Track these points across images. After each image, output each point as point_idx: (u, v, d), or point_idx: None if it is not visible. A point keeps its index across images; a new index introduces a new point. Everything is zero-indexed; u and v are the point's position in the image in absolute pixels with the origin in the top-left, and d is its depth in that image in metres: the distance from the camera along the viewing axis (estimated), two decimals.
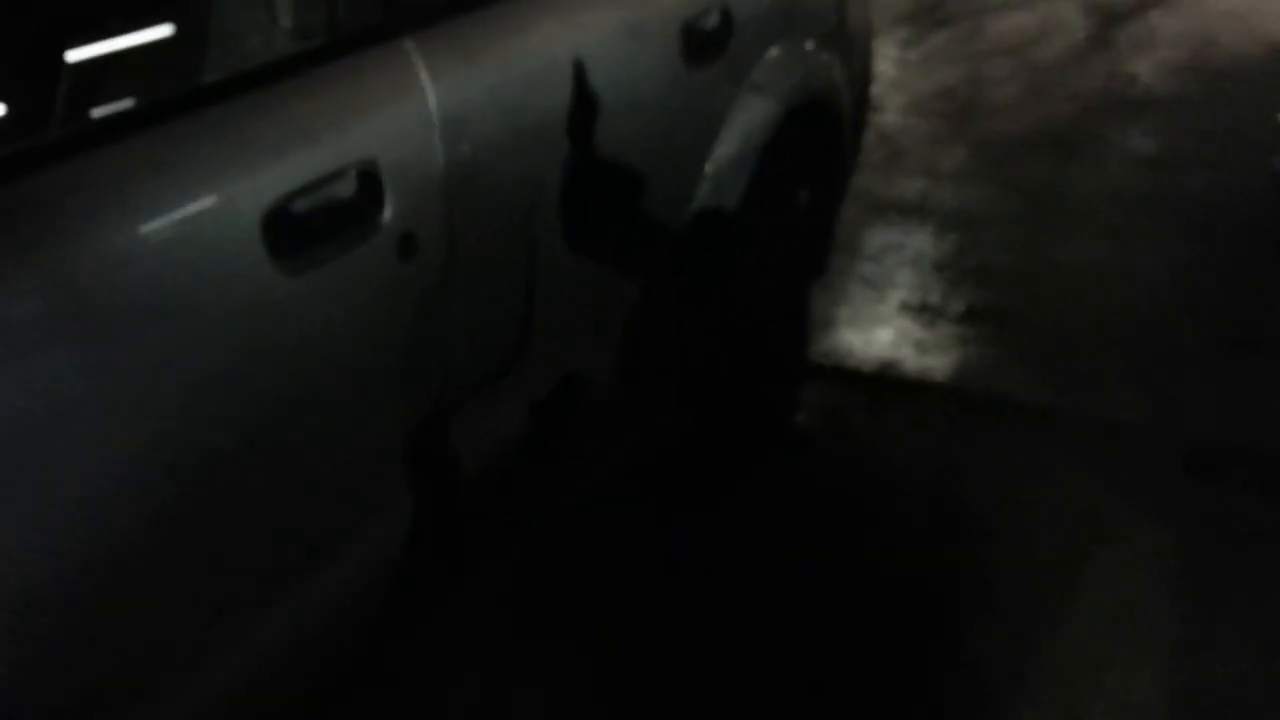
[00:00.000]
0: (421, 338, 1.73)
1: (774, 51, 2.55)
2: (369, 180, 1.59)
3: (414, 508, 1.80)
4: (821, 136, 2.85)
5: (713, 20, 2.31)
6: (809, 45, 2.74)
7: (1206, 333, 3.45)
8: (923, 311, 3.64)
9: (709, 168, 2.37)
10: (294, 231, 1.49)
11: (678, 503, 2.80)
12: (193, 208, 1.39)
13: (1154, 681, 2.29)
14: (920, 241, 4.09)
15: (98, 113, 1.46)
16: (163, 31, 1.49)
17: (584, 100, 1.97)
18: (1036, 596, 2.51)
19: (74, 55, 1.42)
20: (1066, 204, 4.34)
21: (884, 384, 3.32)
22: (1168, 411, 3.11)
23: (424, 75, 1.69)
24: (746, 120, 2.43)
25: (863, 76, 3.17)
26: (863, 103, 3.22)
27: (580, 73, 1.95)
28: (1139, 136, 4.93)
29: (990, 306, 3.65)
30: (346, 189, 1.57)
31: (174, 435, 1.40)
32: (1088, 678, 2.31)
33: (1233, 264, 3.83)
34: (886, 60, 6.00)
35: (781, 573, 2.62)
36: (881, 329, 3.56)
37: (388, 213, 1.62)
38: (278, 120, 1.51)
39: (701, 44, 2.28)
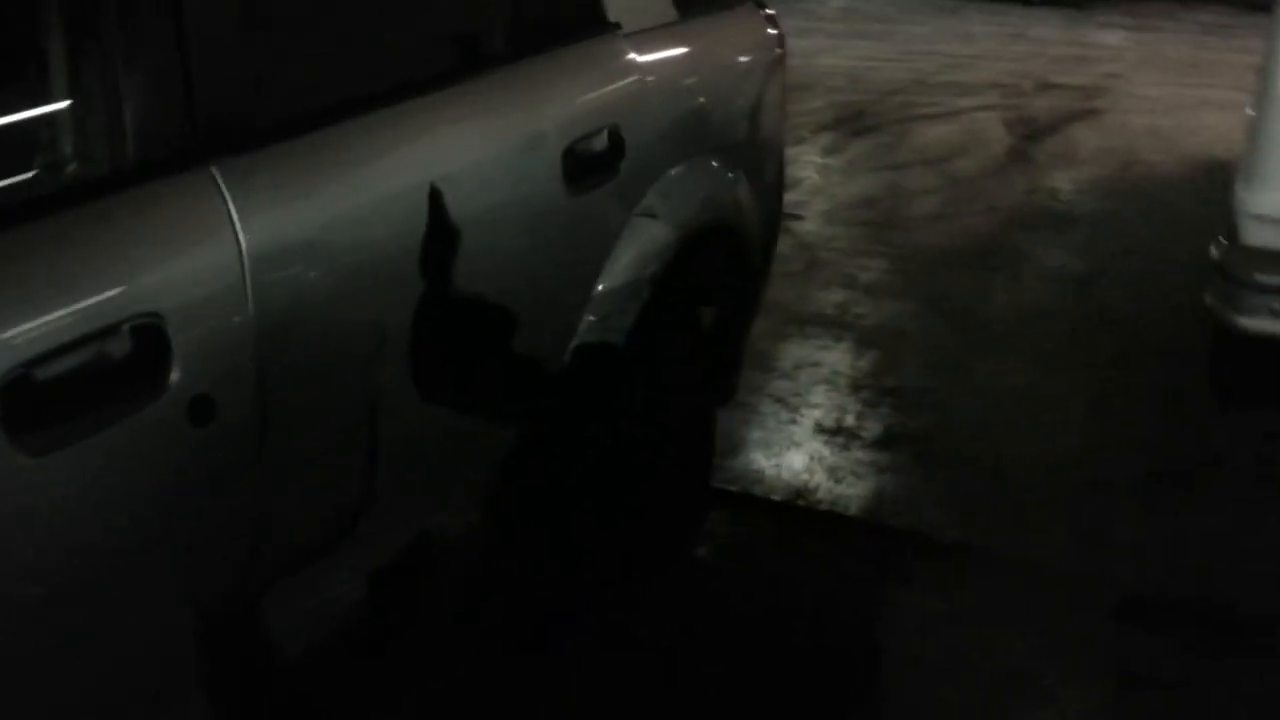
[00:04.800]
0: (221, 511, 1.42)
1: (673, 172, 2.29)
2: (149, 336, 1.29)
3: (214, 701, 1.47)
4: (726, 259, 2.59)
5: (600, 143, 2.04)
6: (714, 164, 2.49)
7: (1134, 465, 3.20)
8: (837, 434, 3.37)
9: (593, 300, 2.08)
10: (39, 403, 1.18)
11: (558, 655, 2.45)
12: None
13: None
14: (837, 358, 3.83)
15: None
16: None
17: (440, 233, 1.68)
18: None
19: None
20: (986, 323, 4.11)
21: (794, 515, 3.02)
22: (1095, 553, 2.82)
23: (231, 209, 1.39)
24: (638, 248, 2.15)
25: (774, 192, 2.92)
26: (774, 219, 2.97)
27: (436, 202, 1.67)
28: (1059, 253, 4.75)
29: (908, 432, 3.38)
30: (117, 348, 1.26)
31: None
32: None
33: (1157, 391, 3.60)
34: (809, 167, 5.82)
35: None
36: (794, 453, 3.28)
37: (176, 374, 1.31)
38: (25, 267, 1.20)
39: (587, 168, 2.01)
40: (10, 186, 1.27)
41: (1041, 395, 3.60)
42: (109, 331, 1.25)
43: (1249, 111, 3.21)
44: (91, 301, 1.24)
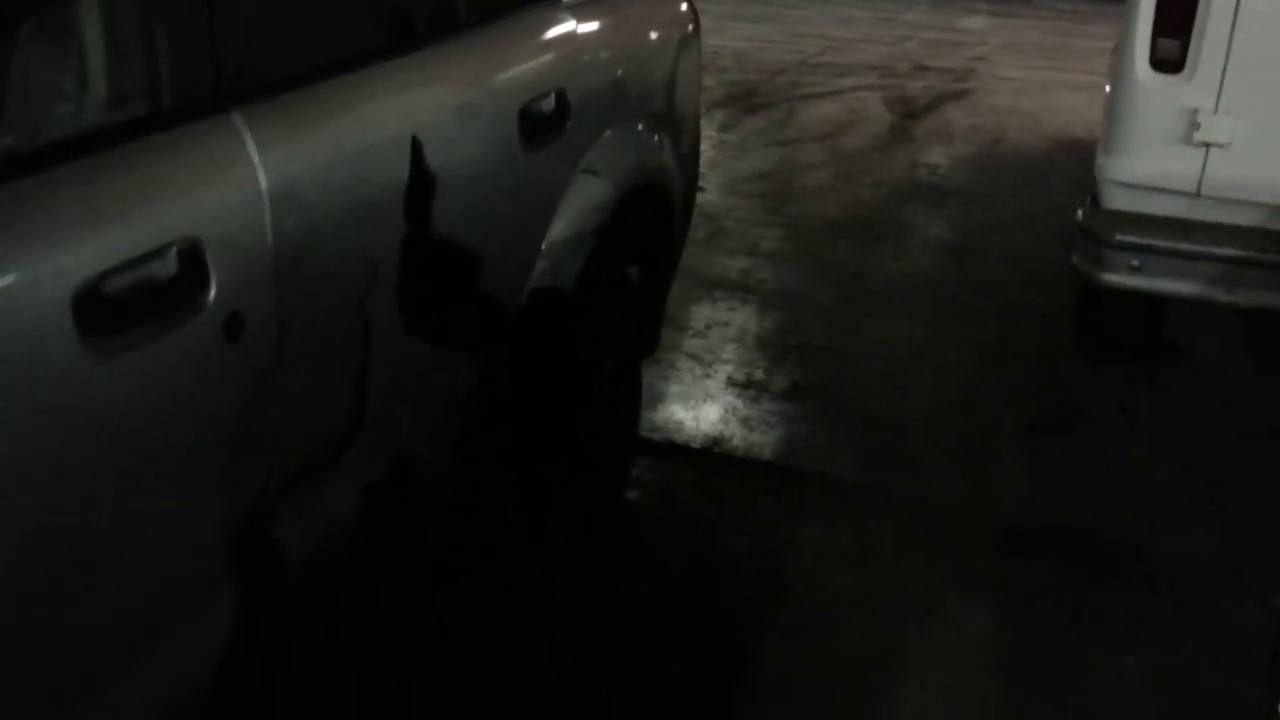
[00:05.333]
0: (247, 422, 1.57)
1: (608, 134, 2.49)
2: (192, 258, 1.44)
3: (237, 602, 1.63)
4: (654, 217, 2.80)
5: (549, 104, 2.24)
6: (640, 128, 2.70)
7: (1012, 413, 3.53)
8: (749, 388, 3.62)
9: (546, 248, 2.28)
10: (107, 312, 1.33)
11: (516, 588, 2.64)
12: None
13: None
14: (744, 319, 4.09)
15: None
16: None
17: (421, 179, 1.85)
18: (864, 676, 2.45)
19: None
20: (877, 286, 4.42)
21: (713, 460, 3.25)
22: (981, 490, 3.13)
23: (252, 150, 1.55)
24: (583, 201, 2.35)
25: (692, 158, 3.14)
26: (692, 183, 3.19)
27: (418, 152, 1.84)
28: (939, 223, 5.10)
29: (812, 384, 3.65)
30: (167, 268, 1.41)
31: None
32: None
33: (1032, 347, 3.95)
34: (706, 142, 6.04)
35: (615, 653, 2.52)
36: (709, 405, 3.52)
37: (212, 292, 1.47)
38: (90, 194, 1.35)
39: (539, 127, 2.20)
40: (69, 125, 1.41)
41: (928, 351, 3.91)
42: (159, 253, 1.40)
43: (1107, 90, 3.56)
44: (145, 225, 1.39)
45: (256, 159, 1.55)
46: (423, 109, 1.90)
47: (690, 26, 3.09)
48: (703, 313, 4.11)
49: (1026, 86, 7.43)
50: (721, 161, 5.76)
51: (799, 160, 5.85)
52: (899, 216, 5.14)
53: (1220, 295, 3.19)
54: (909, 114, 6.72)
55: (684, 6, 3.09)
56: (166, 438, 1.45)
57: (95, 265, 1.31)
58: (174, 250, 1.42)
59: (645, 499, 3.06)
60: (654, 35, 2.90)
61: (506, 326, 2.20)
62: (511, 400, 2.29)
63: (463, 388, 2.12)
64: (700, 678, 2.45)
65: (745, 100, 6.86)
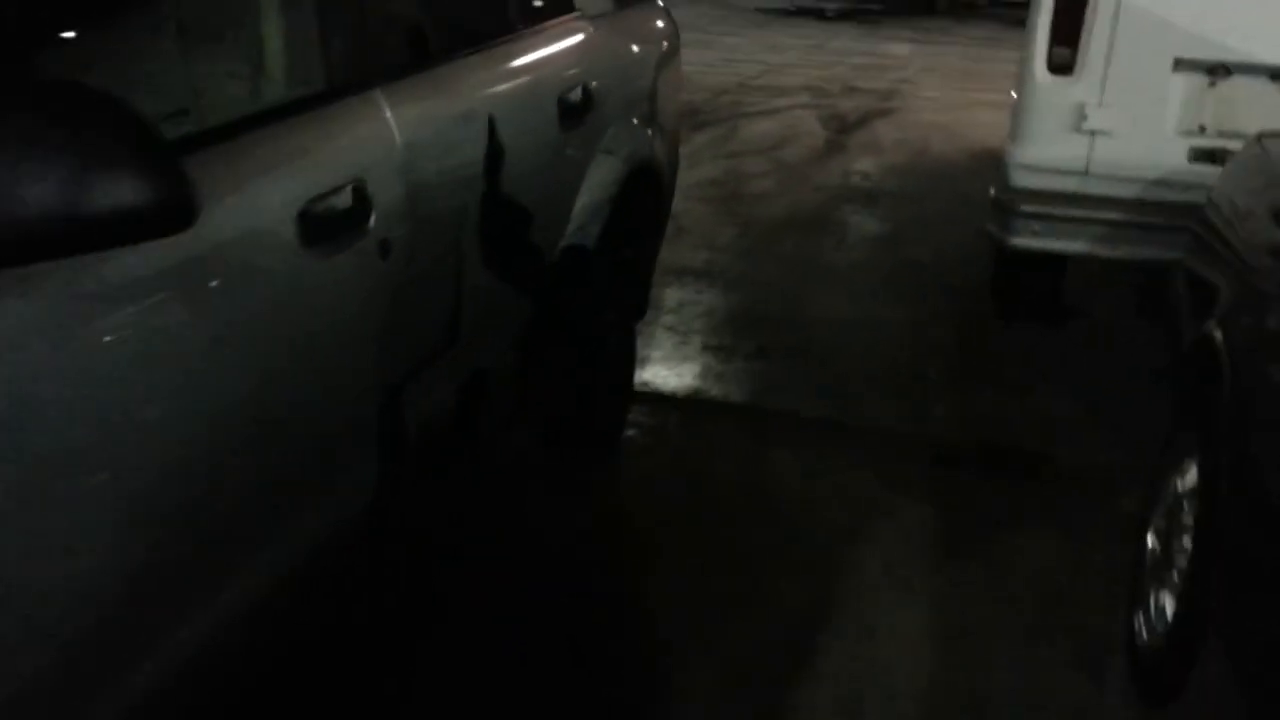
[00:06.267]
0: (391, 324, 2.09)
1: (615, 125, 3.06)
2: (361, 194, 1.97)
3: (376, 463, 2.14)
4: (648, 196, 3.37)
5: (578, 95, 2.80)
6: (636, 121, 3.27)
7: (941, 365, 4.16)
8: (720, 351, 4.20)
9: (575, 213, 2.83)
10: (316, 227, 1.85)
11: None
12: (252, 201, 1.75)
13: (921, 614, 2.82)
14: (711, 298, 4.68)
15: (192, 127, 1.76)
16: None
17: (495, 148, 2.40)
18: (828, 554, 3.02)
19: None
20: (821, 272, 5.04)
21: (695, 406, 3.83)
22: (917, 421, 3.76)
23: (390, 117, 2.09)
24: (601, 176, 2.91)
25: (674, 149, 3.72)
26: (673, 171, 3.77)
27: (493, 127, 2.39)
28: (873, 220, 5.74)
29: (774, 347, 4.25)
30: (346, 200, 1.94)
31: (213, 380, 1.68)
32: (871, 611, 2.82)
33: (956, 314, 4.59)
34: None
35: (632, 544, 3.09)
36: (688, 365, 4.09)
37: (373, 220, 1.99)
38: (298, 142, 1.88)
39: (571, 113, 2.76)
40: (277, 98, 1.94)
41: (869, 319, 4.54)
42: (342, 188, 1.92)
43: (1013, 93, 4.23)
44: (333, 167, 1.92)
45: (394, 124, 2.09)
46: (495, 93, 2.45)
47: (674, 38, 3.68)
48: (675, 294, 4.69)
49: (946, 105, 8.14)
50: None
51: (745, 170, 6.47)
52: (837, 215, 5.77)
53: (1104, 251, 3.89)
54: (841, 129, 7.39)
55: (669, 24, 3.67)
56: (342, 327, 1.97)
57: (309, 192, 1.84)
58: (350, 187, 1.95)
59: (640, 436, 3.61)
60: (650, 44, 3.49)
61: (547, 274, 2.75)
62: (548, 335, 2.84)
63: (519, 319, 2.66)
64: (691, 563, 3.00)
65: (692, 118, 7.47)
